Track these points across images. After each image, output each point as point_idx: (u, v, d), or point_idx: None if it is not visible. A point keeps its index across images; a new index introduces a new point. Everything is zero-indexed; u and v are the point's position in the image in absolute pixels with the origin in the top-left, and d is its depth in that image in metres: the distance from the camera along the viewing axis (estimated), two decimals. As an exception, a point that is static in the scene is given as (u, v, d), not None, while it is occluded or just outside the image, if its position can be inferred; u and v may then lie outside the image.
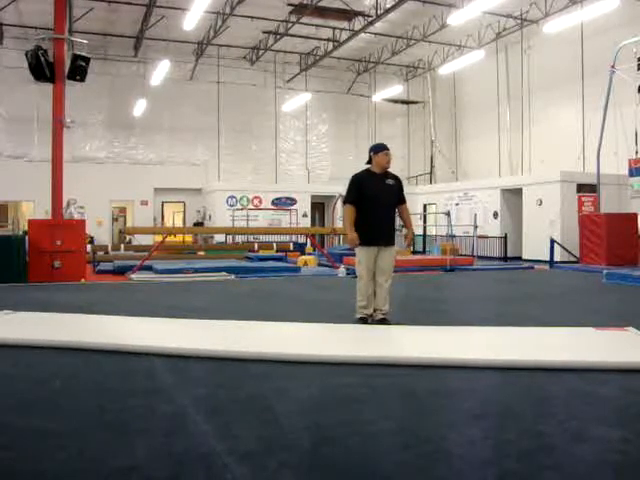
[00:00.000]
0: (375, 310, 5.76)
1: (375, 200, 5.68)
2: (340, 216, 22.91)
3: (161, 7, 17.27)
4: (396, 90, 23.23)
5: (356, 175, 5.88)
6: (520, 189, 18.28)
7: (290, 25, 19.17)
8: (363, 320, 5.74)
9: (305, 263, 14.21)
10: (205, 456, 2.53)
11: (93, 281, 10.84)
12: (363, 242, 5.68)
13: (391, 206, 5.84)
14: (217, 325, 5.72)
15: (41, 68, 10.79)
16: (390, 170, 5.91)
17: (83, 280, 10.55)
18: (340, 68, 24.48)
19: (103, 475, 2.36)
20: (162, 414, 3.11)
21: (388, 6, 17.20)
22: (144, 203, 21.90)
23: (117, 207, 22.67)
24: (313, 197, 23.20)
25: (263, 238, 18.75)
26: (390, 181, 5.81)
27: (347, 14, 18.61)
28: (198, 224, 22.20)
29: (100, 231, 20.46)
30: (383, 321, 5.70)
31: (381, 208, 5.71)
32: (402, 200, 5.94)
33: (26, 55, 10.98)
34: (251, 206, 21.88)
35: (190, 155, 22.85)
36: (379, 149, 5.83)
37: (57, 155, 11.20)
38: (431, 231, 21.68)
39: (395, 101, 25.01)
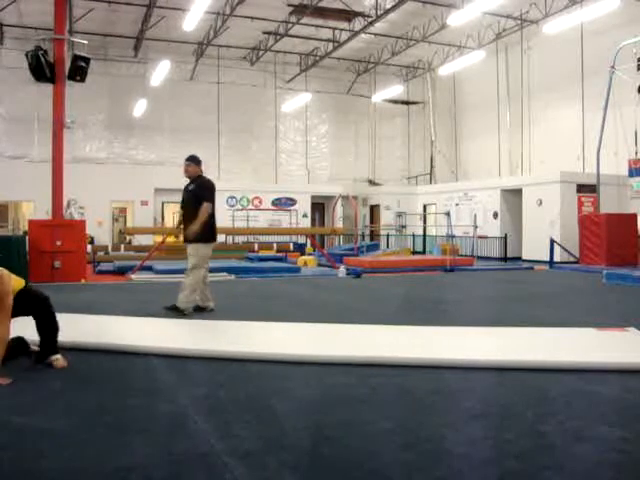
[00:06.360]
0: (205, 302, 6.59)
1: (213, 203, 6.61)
2: (340, 216, 22.96)
3: (161, 7, 17.25)
4: (396, 90, 23.22)
5: (211, 181, 6.82)
6: (520, 189, 18.28)
7: (290, 26, 19.16)
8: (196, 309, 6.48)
9: (305, 263, 14.21)
10: (205, 456, 2.54)
11: (93, 281, 10.83)
12: (211, 239, 6.54)
13: None
14: (217, 325, 5.73)
15: (41, 68, 10.76)
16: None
17: (83, 280, 10.55)
18: (340, 68, 24.47)
19: (103, 475, 2.36)
20: (162, 414, 3.11)
21: (388, 6, 17.19)
22: (144, 203, 21.86)
23: (117, 207, 22.64)
24: (313, 197, 23.20)
25: (263, 238, 18.75)
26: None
27: (347, 14, 18.61)
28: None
29: (100, 231, 20.42)
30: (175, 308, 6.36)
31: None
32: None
33: (26, 55, 10.96)
34: (251, 206, 21.87)
35: (190, 155, 22.81)
36: None
37: (57, 155, 11.18)
38: (431, 231, 21.67)
39: (395, 101, 25.00)
